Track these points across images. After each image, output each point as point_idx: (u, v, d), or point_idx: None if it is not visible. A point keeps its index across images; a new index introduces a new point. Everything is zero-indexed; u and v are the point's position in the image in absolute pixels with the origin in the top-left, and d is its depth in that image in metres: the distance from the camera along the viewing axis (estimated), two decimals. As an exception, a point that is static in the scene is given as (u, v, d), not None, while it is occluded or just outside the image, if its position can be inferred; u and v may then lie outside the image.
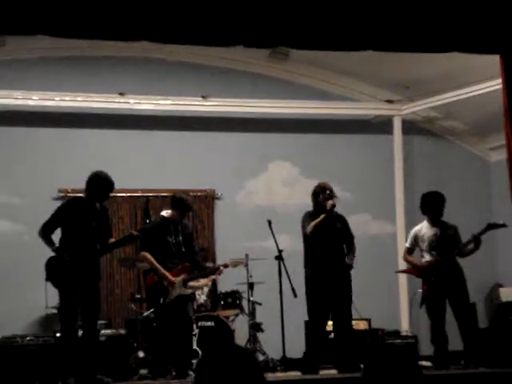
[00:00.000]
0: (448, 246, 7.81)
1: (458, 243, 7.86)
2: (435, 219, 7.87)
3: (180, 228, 7.69)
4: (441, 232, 7.83)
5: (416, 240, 7.96)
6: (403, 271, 8.47)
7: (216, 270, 8.33)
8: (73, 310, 6.83)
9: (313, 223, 7.50)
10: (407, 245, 8.09)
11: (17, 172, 10.08)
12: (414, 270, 8.05)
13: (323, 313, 7.51)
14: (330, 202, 7.54)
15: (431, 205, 7.87)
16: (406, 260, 8.17)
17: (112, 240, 7.27)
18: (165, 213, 7.62)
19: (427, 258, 7.87)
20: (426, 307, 7.82)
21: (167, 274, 7.56)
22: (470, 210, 10.04)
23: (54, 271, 6.86)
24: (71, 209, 7.07)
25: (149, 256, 7.62)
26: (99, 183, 7.03)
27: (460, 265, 7.86)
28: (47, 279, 6.95)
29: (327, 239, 7.52)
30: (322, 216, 7.50)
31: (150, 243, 7.61)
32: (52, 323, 9.39)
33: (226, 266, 8.64)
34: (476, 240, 7.70)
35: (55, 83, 10.05)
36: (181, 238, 7.67)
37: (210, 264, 8.95)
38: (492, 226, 7.73)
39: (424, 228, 7.92)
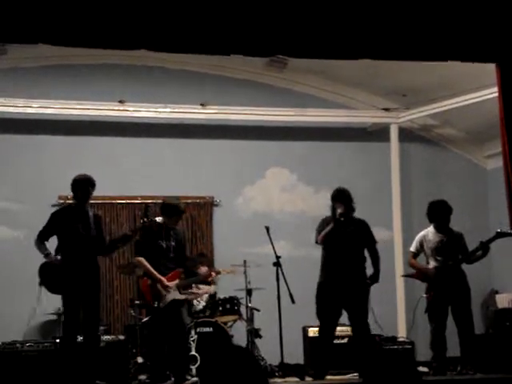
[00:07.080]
0: (453, 252, 7.91)
1: (465, 250, 7.96)
2: (442, 227, 7.96)
3: (172, 233, 7.76)
4: (446, 238, 7.93)
5: (421, 245, 8.04)
6: (408, 275, 8.48)
7: (207, 277, 8.47)
8: (74, 315, 6.88)
9: (322, 233, 7.57)
10: (412, 249, 8.14)
11: (16, 178, 10.11)
12: (419, 274, 8.11)
13: (330, 319, 7.55)
14: (338, 210, 7.58)
15: (438, 213, 7.95)
16: (411, 265, 8.19)
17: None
18: (157, 219, 7.68)
19: (432, 263, 7.94)
20: (428, 313, 7.87)
21: (162, 278, 7.62)
22: (466, 217, 10.09)
23: (48, 276, 6.95)
24: (63, 216, 7.20)
25: (143, 261, 7.68)
26: (78, 185, 7.22)
27: (465, 272, 7.94)
28: (41, 284, 7.03)
29: (340, 246, 7.53)
30: (330, 226, 7.55)
31: (143, 248, 7.68)
32: (51, 329, 9.44)
33: (218, 272, 8.71)
34: (484, 247, 7.81)
35: (55, 91, 10.10)
36: (173, 244, 7.74)
37: (204, 269, 9.00)
38: (500, 235, 7.76)
39: (430, 234, 8.00)
